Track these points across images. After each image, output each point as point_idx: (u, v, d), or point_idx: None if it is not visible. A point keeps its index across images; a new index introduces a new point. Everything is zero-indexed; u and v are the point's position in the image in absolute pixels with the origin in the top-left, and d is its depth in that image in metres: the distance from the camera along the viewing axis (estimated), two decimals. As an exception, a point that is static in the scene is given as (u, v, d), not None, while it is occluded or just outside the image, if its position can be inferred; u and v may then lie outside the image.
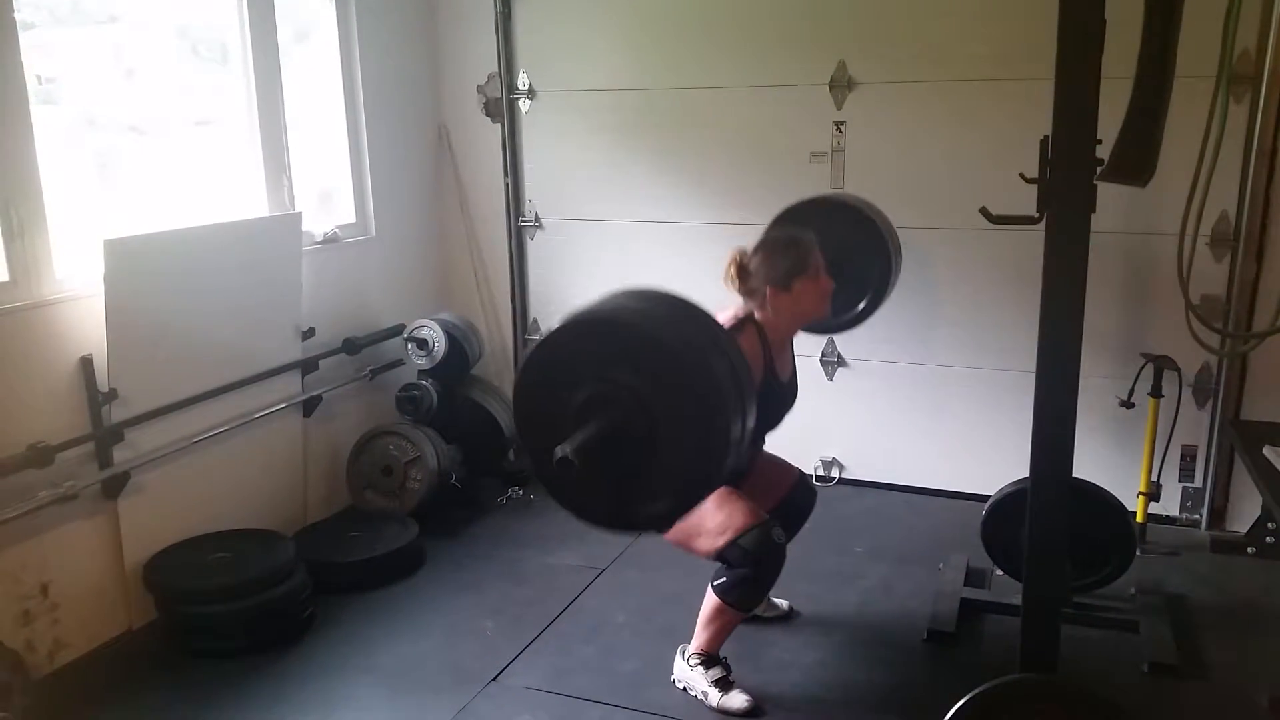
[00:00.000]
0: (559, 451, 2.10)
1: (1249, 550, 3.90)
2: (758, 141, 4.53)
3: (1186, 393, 4.07)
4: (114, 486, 3.38)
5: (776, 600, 3.54)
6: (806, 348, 4.37)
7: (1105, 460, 4.09)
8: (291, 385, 4.11)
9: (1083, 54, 2.10)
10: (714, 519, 2.88)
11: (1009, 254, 4.18)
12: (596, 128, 4.78)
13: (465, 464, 4.60)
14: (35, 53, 3.21)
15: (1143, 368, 3.88)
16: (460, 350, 4.57)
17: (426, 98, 4.99)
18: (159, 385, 3.49)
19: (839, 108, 4.37)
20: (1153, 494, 3.97)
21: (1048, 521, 2.37)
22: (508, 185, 4.99)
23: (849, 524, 4.31)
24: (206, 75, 4.00)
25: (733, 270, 3.03)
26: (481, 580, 3.88)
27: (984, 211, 2.40)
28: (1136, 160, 2.29)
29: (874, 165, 4.37)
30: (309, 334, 4.15)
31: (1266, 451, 3.19)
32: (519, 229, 5.04)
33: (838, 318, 3.49)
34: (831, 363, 4.61)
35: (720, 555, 2.91)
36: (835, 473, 4.74)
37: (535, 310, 5.13)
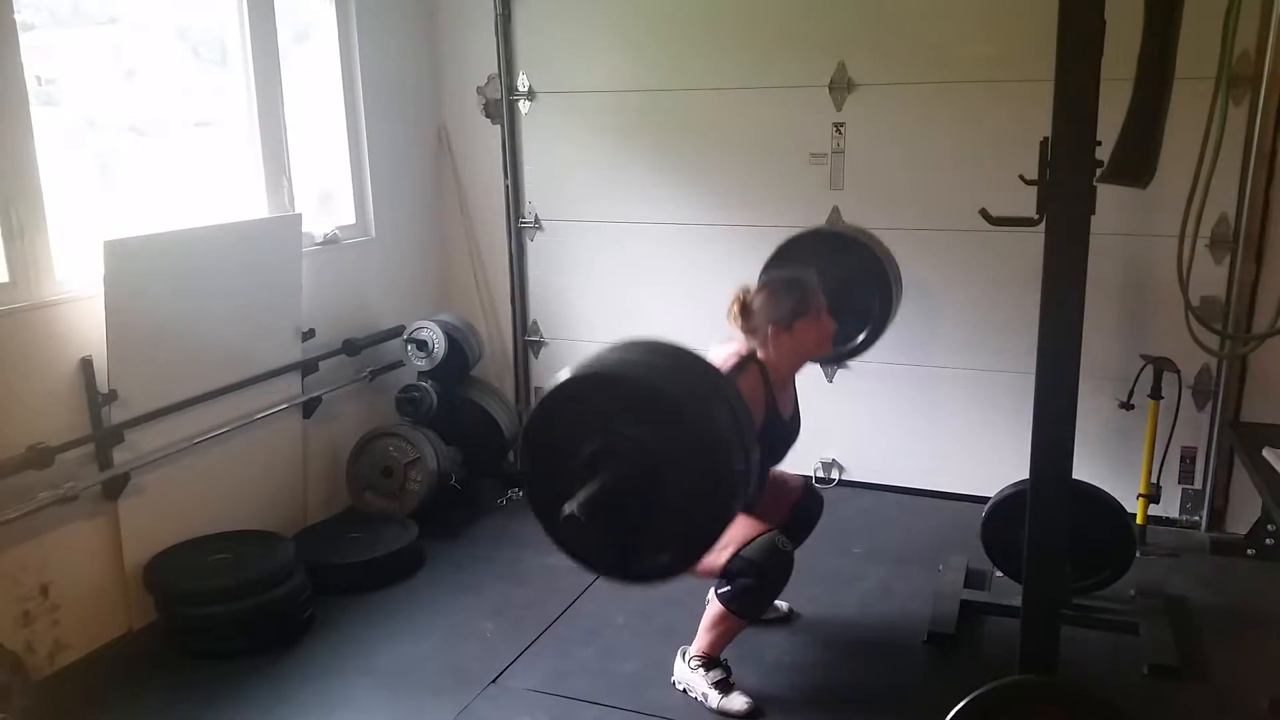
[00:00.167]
0: (566, 509, 2.11)
1: (1249, 552, 3.92)
2: (757, 143, 4.53)
3: (1186, 394, 4.07)
4: (114, 488, 3.38)
5: (776, 602, 3.53)
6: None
7: (1105, 462, 4.09)
8: (291, 386, 4.11)
9: (1082, 55, 2.10)
10: None
11: (1009, 256, 4.18)
12: (596, 129, 4.78)
13: (465, 465, 4.60)
14: (35, 54, 3.22)
15: (1142, 369, 3.89)
16: (460, 351, 4.57)
17: (426, 99, 4.99)
18: (159, 386, 3.49)
19: (839, 109, 4.37)
20: (1152, 496, 3.96)
21: (1047, 523, 2.37)
22: (507, 186, 4.99)
23: (849, 525, 4.31)
24: (206, 76, 4.01)
25: (735, 309, 3.04)
26: (481, 582, 3.88)
27: (983, 213, 2.40)
28: (1136, 162, 2.29)
29: (873, 167, 4.37)
30: (309, 335, 4.15)
31: (1266, 453, 3.19)
32: (519, 230, 5.04)
33: (836, 349, 3.47)
34: (831, 365, 4.61)
35: (725, 571, 2.89)
36: (835, 474, 4.74)
37: (535, 312, 5.14)
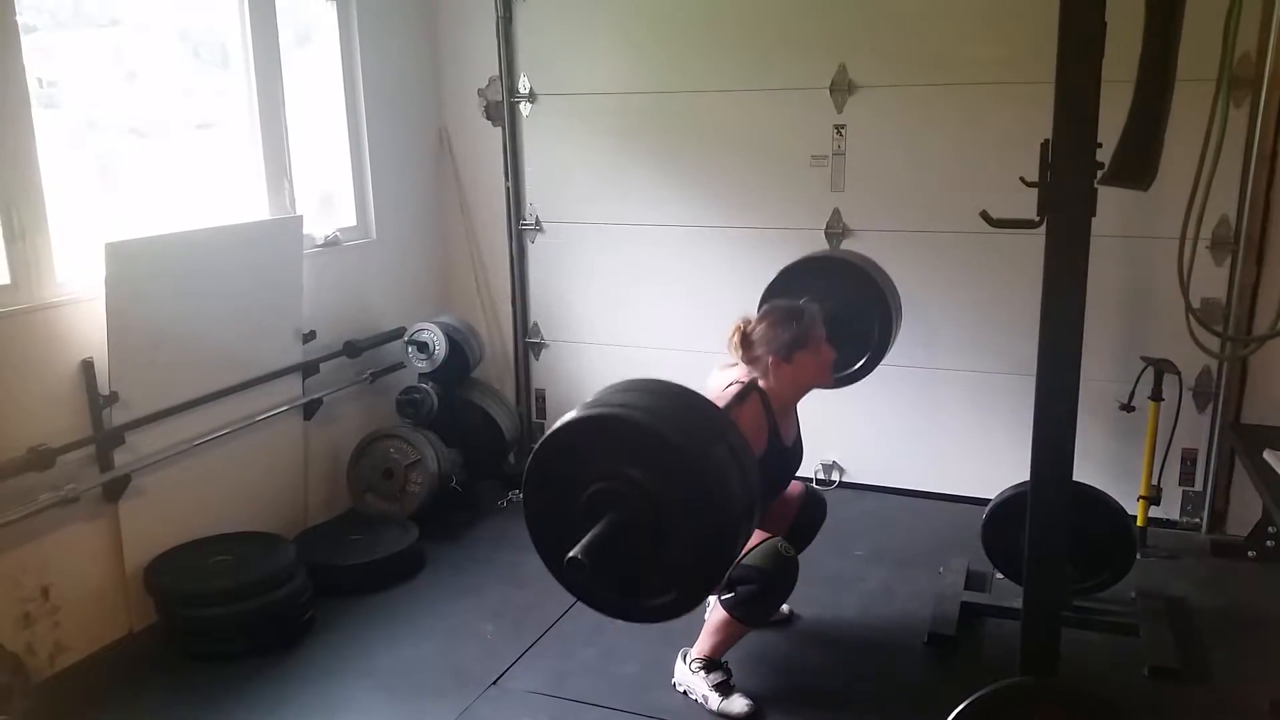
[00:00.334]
0: (570, 554, 2.12)
1: (1249, 554, 3.92)
2: (758, 145, 4.53)
3: (1187, 396, 4.07)
4: (115, 489, 3.38)
5: (777, 604, 3.54)
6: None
7: (1105, 463, 4.09)
8: (292, 388, 4.11)
9: (1083, 57, 2.10)
10: None
11: (1009, 258, 4.18)
12: (597, 131, 4.79)
13: (466, 467, 4.60)
14: (37, 56, 3.22)
15: (1143, 371, 3.89)
16: (461, 353, 4.57)
17: (427, 101, 4.99)
18: (160, 388, 3.49)
19: (839, 111, 4.37)
20: (1153, 497, 3.97)
21: (1048, 525, 2.37)
22: (508, 188, 4.99)
23: (849, 527, 4.31)
24: (208, 78, 4.01)
25: (736, 339, 3.06)
26: (482, 583, 3.88)
27: (984, 215, 2.40)
28: (1137, 164, 2.29)
29: (874, 169, 4.37)
30: (310, 337, 4.15)
31: (1267, 455, 3.20)
32: (519, 232, 5.04)
33: (835, 374, 3.47)
34: (832, 366, 4.61)
35: (730, 579, 2.89)
36: (835, 476, 4.74)
37: (536, 313, 5.14)
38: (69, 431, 3.23)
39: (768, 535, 2.92)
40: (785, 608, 3.55)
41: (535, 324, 5.15)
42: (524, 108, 4.89)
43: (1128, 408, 3.91)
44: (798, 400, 3.17)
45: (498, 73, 4.87)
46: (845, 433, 4.68)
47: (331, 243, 4.41)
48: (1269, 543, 3.88)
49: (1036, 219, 2.24)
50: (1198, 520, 4.22)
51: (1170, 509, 4.22)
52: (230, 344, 3.76)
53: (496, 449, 4.80)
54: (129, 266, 3.29)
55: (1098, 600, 3.44)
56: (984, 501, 3.61)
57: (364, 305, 4.60)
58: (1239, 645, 3.36)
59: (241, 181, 4.05)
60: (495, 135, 4.96)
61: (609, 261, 4.89)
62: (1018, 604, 2.54)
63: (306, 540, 3.96)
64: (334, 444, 4.46)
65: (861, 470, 4.72)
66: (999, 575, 3.62)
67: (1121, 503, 3.45)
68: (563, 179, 4.92)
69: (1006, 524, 3.39)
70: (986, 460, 4.36)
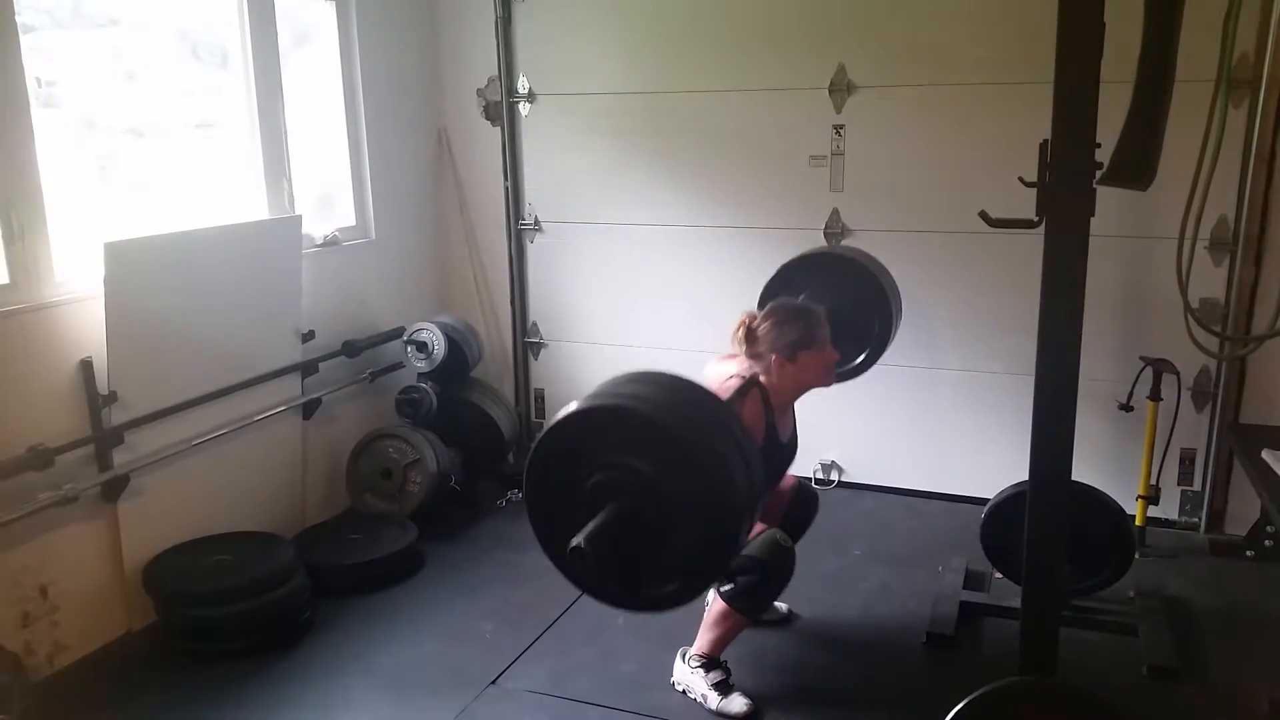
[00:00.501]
0: (573, 543, 2.12)
1: (1248, 553, 3.92)
2: (757, 145, 4.53)
3: (1185, 396, 4.07)
4: (114, 489, 3.38)
5: (777, 603, 3.54)
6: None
7: (1104, 463, 4.10)
8: (291, 388, 4.11)
9: (1082, 57, 2.11)
10: None
11: (1008, 258, 4.18)
12: (596, 131, 4.79)
13: (465, 467, 4.60)
14: (36, 55, 3.22)
15: (1142, 371, 3.89)
16: (460, 353, 4.57)
17: (426, 101, 4.99)
18: (159, 388, 3.49)
19: (838, 111, 4.37)
20: (1152, 497, 3.97)
21: (1047, 524, 2.37)
22: (507, 188, 4.99)
23: (848, 527, 4.31)
24: (207, 78, 4.01)
25: (741, 333, 3.06)
26: (481, 583, 3.88)
27: (983, 215, 2.40)
28: (1136, 164, 2.29)
29: (873, 169, 4.37)
30: (309, 337, 4.15)
31: (1265, 455, 3.20)
32: (519, 232, 5.04)
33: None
34: (831, 366, 4.61)
35: (728, 573, 2.90)
36: (834, 476, 4.74)
37: (535, 313, 5.14)
38: (68, 431, 3.23)
39: (764, 527, 2.93)
40: (784, 607, 3.55)
41: (534, 324, 5.15)
42: (523, 108, 4.90)
43: (1126, 407, 3.92)
44: (797, 399, 3.18)
45: (497, 73, 4.87)
46: (844, 432, 4.68)
47: (330, 242, 4.41)
48: (1267, 542, 3.88)
49: (1035, 219, 2.25)
50: (1196, 520, 4.23)
51: (1169, 508, 4.22)
52: (229, 343, 3.76)
53: (495, 448, 4.80)
54: (128, 266, 3.29)
55: (1096, 600, 3.44)
56: (983, 501, 3.61)
57: (363, 305, 4.60)
58: (1237, 645, 3.36)
59: (240, 181, 4.04)
60: (494, 135, 4.97)
61: (608, 261, 4.89)
62: (1016, 603, 2.55)
63: (305, 540, 3.96)
64: (333, 443, 4.46)
65: (860, 470, 4.72)
66: (998, 575, 3.62)
67: (1120, 502, 3.44)
68: (562, 179, 4.92)
69: (1005, 523, 3.39)
70: (985, 460, 4.37)
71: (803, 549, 4.00)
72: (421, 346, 4.49)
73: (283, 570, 3.49)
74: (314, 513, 4.34)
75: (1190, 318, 3.16)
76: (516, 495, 4.67)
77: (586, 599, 3.68)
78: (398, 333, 4.59)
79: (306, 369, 4.17)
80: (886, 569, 3.93)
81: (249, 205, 4.06)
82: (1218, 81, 2.78)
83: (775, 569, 2.93)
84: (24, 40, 3.12)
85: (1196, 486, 4.20)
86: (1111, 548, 3.40)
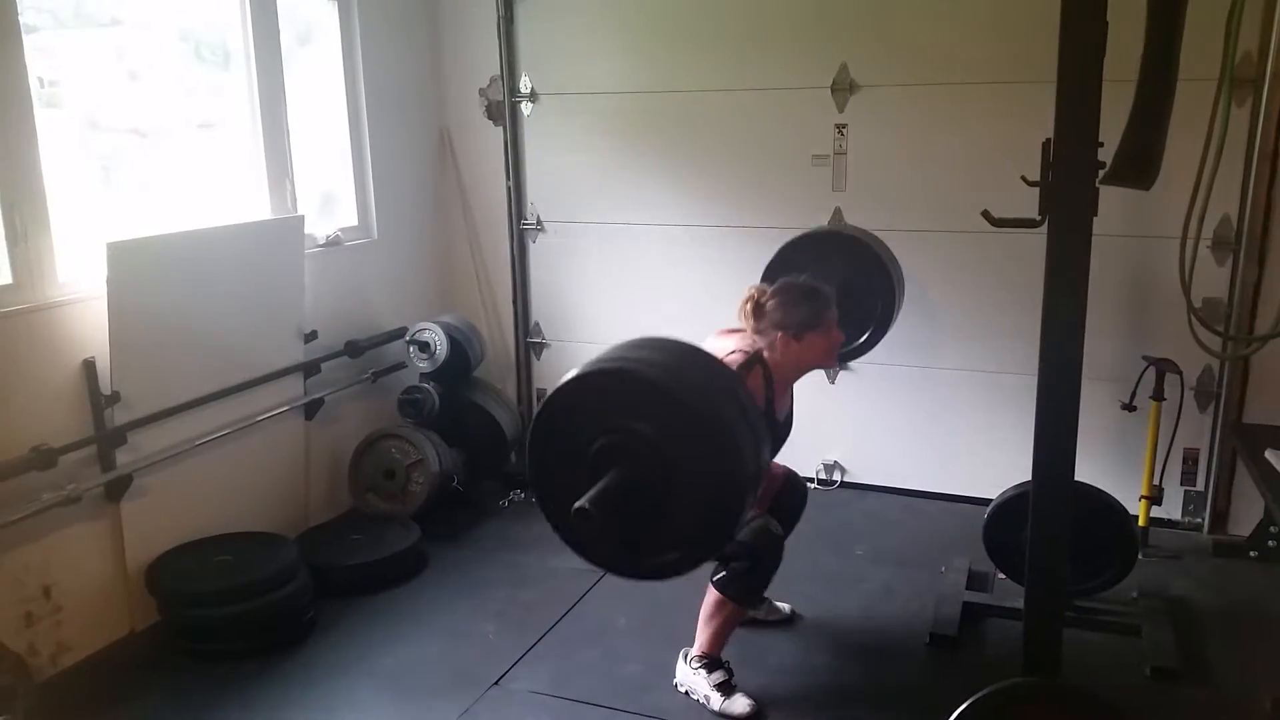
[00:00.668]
0: (578, 504, 2.11)
1: (1251, 554, 3.92)
2: (759, 144, 4.53)
3: (1188, 396, 4.06)
4: (117, 489, 3.38)
5: (779, 604, 3.54)
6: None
7: (1107, 463, 4.09)
8: (293, 388, 4.12)
9: (1085, 56, 2.10)
10: None
11: (1011, 257, 4.18)
12: (599, 131, 4.79)
13: (467, 467, 4.60)
14: (38, 55, 3.22)
15: (1144, 371, 3.89)
16: (462, 353, 4.57)
17: (429, 101, 4.99)
18: (161, 388, 3.49)
19: (841, 110, 4.37)
20: (1155, 497, 3.96)
21: (1050, 525, 2.37)
22: (510, 188, 4.99)
23: (851, 527, 4.31)
24: (209, 78, 4.01)
25: (748, 308, 3.03)
26: (483, 583, 3.88)
27: (986, 214, 2.40)
28: (1139, 163, 2.29)
29: (875, 168, 4.37)
30: (311, 337, 4.15)
31: (1268, 455, 3.19)
32: (521, 232, 5.04)
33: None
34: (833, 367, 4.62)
35: (720, 560, 2.91)
36: (837, 476, 4.74)
37: (537, 313, 5.14)
38: (71, 431, 3.23)
39: (757, 512, 2.92)
40: (787, 607, 3.55)
41: (537, 324, 5.15)
42: (525, 107, 4.89)
43: (1129, 407, 3.91)
44: (798, 378, 3.15)
45: (499, 72, 4.87)
46: (847, 433, 4.68)
47: (333, 242, 4.41)
48: (1270, 543, 3.87)
49: (1038, 218, 2.24)
50: (1199, 520, 4.22)
51: (1172, 509, 4.22)
52: (232, 344, 3.76)
53: (498, 449, 4.80)
54: (131, 266, 3.30)
55: (1099, 600, 3.44)
56: (986, 501, 3.60)
57: (365, 305, 4.60)
58: (1241, 645, 3.36)
59: (243, 181, 4.05)
60: (496, 135, 4.97)
61: (610, 261, 4.89)
62: (1019, 604, 2.54)
63: (308, 540, 3.96)
64: (335, 444, 4.46)
65: (863, 470, 4.71)
66: (1001, 575, 3.62)
67: (1123, 502, 3.44)
68: (564, 179, 4.92)
69: (1008, 524, 3.38)
70: (988, 460, 4.36)
71: (805, 549, 4.02)
72: (424, 347, 4.49)
73: (285, 571, 3.49)
74: (316, 513, 4.34)
75: (1193, 317, 3.16)
76: (519, 496, 4.67)
77: (589, 600, 3.71)
78: (400, 333, 4.59)
79: (309, 369, 4.17)
80: (889, 569, 3.93)
81: (251, 205, 4.06)
82: (1221, 80, 2.78)
83: (765, 554, 2.93)
84: (27, 40, 3.12)
85: (1199, 487, 4.20)
86: (1114, 548, 3.39)
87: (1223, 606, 3.62)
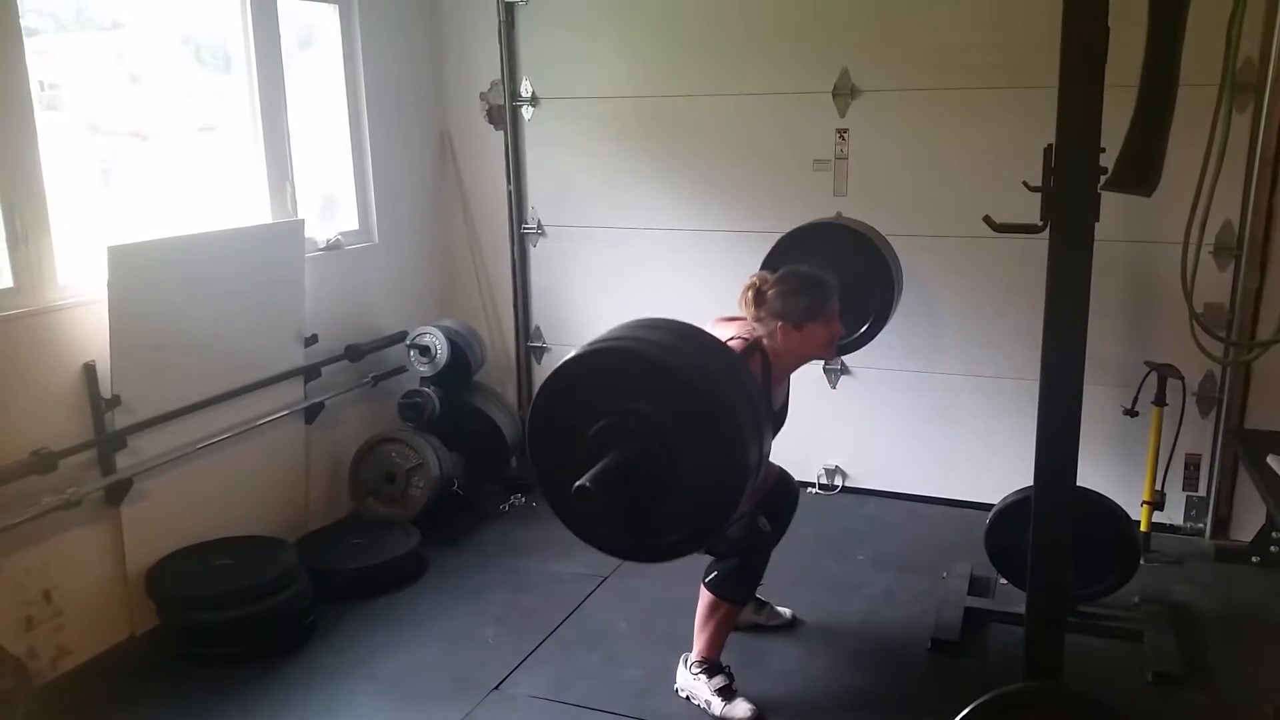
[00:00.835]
0: (579, 482, 2.10)
1: (1253, 559, 3.91)
2: (761, 149, 4.53)
3: (1190, 401, 4.06)
4: (117, 493, 3.38)
5: (780, 609, 3.53)
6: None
7: (1109, 469, 4.09)
8: (294, 392, 4.11)
9: (1086, 62, 2.10)
10: None
11: (1012, 262, 4.18)
12: (600, 135, 4.79)
13: (468, 471, 4.60)
14: (39, 59, 3.22)
15: (1146, 376, 3.88)
16: (463, 357, 4.57)
17: (429, 104, 5.00)
18: (162, 392, 3.49)
19: (842, 115, 4.37)
20: (1157, 503, 3.96)
21: (1052, 530, 2.37)
22: (510, 192, 4.99)
23: (852, 532, 4.31)
24: (210, 81, 4.01)
25: (749, 295, 3.02)
26: (484, 588, 3.87)
27: (987, 220, 2.39)
28: (1141, 169, 2.28)
29: (877, 173, 4.37)
30: (311, 341, 4.15)
31: (1271, 460, 3.18)
32: (522, 236, 5.04)
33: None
34: (835, 371, 4.61)
35: (710, 546, 2.92)
36: (838, 481, 4.73)
37: (538, 317, 5.14)
38: (71, 435, 3.23)
39: (746, 511, 2.91)
40: (788, 612, 3.55)
41: (537, 328, 5.15)
42: (526, 111, 4.90)
43: (1131, 413, 3.91)
44: (796, 369, 3.13)
45: (500, 76, 4.87)
46: (848, 437, 4.68)
47: (333, 246, 4.41)
48: (1273, 548, 3.87)
49: (1040, 224, 2.24)
50: (1201, 525, 4.21)
51: (1174, 514, 4.21)
52: (232, 347, 3.76)
53: (498, 453, 4.79)
54: (131, 270, 3.30)
55: (1101, 605, 3.43)
56: (987, 506, 3.60)
57: (366, 309, 4.60)
58: (1242, 651, 3.35)
59: (243, 185, 4.05)
60: (497, 139, 4.97)
61: (611, 265, 4.89)
62: (1021, 609, 2.54)
63: (308, 544, 3.96)
64: (336, 448, 4.45)
65: (864, 475, 4.71)
66: (1002, 580, 3.61)
67: (1125, 508, 3.44)
68: (565, 183, 4.92)
69: (1010, 529, 3.38)
70: (990, 465, 4.36)
71: (807, 553, 4.02)
72: (424, 350, 4.49)
73: (285, 575, 3.48)
74: (316, 517, 4.33)
75: (1195, 323, 3.15)
76: (520, 500, 4.67)
77: (590, 605, 3.71)
78: (400, 337, 4.59)
79: (309, 373, 4.17)
80: (891, 574, 3.92)
81: (252, 209, 4.06)
82: (1222, 86, 2.77)
83: (755, 551, 2.93)
84: (28, 44, 3.13)
85: (1202, 492, 4.19)
86: (1116, 553, 3.39)
87: (1225, 612, 3.61)
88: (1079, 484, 2.41)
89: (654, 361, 2.17)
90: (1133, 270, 4.08)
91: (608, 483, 2.12)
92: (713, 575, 2.98)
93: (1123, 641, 3.35)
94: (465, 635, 3.53)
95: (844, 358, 4.55)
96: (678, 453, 2.17)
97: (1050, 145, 2.20)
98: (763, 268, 3.45)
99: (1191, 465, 4.16)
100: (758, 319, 3.01)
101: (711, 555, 2.96)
